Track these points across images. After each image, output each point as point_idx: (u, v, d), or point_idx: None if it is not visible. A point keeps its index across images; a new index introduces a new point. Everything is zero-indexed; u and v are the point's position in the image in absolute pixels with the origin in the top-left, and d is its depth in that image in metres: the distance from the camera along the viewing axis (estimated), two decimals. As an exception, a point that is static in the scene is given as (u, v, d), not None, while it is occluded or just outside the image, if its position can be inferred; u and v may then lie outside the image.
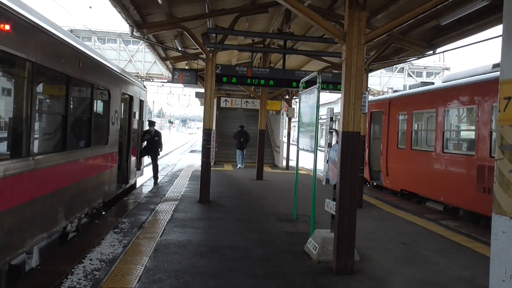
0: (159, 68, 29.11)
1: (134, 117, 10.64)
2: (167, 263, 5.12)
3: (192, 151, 28.10)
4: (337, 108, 5.69)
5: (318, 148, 6.52)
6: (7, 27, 4.12)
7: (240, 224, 7.39)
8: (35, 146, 4.98)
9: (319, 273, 5.00)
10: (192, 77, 10.65)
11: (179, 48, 11.13)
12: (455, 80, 10.17)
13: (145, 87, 12.41)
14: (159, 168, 12.87)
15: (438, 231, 7.43)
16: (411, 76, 35.48)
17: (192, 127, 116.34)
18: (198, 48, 9.49)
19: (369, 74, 10.64)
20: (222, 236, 6.59)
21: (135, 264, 5.02)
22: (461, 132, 10.36)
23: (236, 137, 17.55)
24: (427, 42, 9.50)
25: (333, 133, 5.72)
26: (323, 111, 6.82)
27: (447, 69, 35.82)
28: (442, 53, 31.34)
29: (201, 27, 9.11)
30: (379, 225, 7.84)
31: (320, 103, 6.28)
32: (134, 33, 8.66)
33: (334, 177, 5.44)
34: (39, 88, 5.43)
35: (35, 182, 4.92)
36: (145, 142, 11.85)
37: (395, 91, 15.76)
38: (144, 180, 13.22)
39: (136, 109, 10.80)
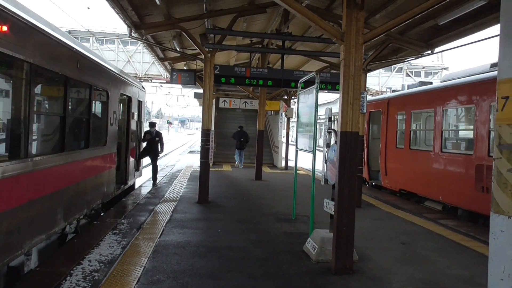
0: (158, 69, 29.11)
1: (133, 118, 10.62)
2: (166, 264, 5.12)
3: (191, 152, 28.10)
4: (336, 108, 5.69)
5: (317, 148, 6.53)
6: (5, 28, 4.12)
7: (239, 225, 7.39)
8: (34, 148, 4.97)
9: (318, 273, 5.00)
10: (191, 78, 10.64)
11: (178, 49, 11.12)
12: (453, 79, 10.19)
13: (143, 87, 12.40)
14: (158, 169, 12.86)
15: (437, 231, 7.44)
16: (409, 75, 35.52)
17: (191, 127, 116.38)
18: (196, 49, 9.50)
19: (368, 74, 10.66)
20: (221, 236, 6.59)
21: (134, 265, 5.01)
22: (460, 131, 10.37)
23: (236, 137, 17.58)
24: (425, 42, 9.52)
25: (332, 133, 5.72)
26: (321, 111, 6.82)
27: (445, 68, 35.88)
28: (440, 53, 31.35)
29: (200, 27, 9.11)
30: (378, 224, 7.85)
31: (319, 103, 6.28)
32: (132, 34, 8.67)
33: (332, 177, 5.45)
34: (37, 89, 5.42)
35: (33, 184, 4.91)
36: (145, 143, 11.83)
37: (393, 91, 15.76)
38: (143, 181, 13.21)
39: (134, 110, 10.79)
